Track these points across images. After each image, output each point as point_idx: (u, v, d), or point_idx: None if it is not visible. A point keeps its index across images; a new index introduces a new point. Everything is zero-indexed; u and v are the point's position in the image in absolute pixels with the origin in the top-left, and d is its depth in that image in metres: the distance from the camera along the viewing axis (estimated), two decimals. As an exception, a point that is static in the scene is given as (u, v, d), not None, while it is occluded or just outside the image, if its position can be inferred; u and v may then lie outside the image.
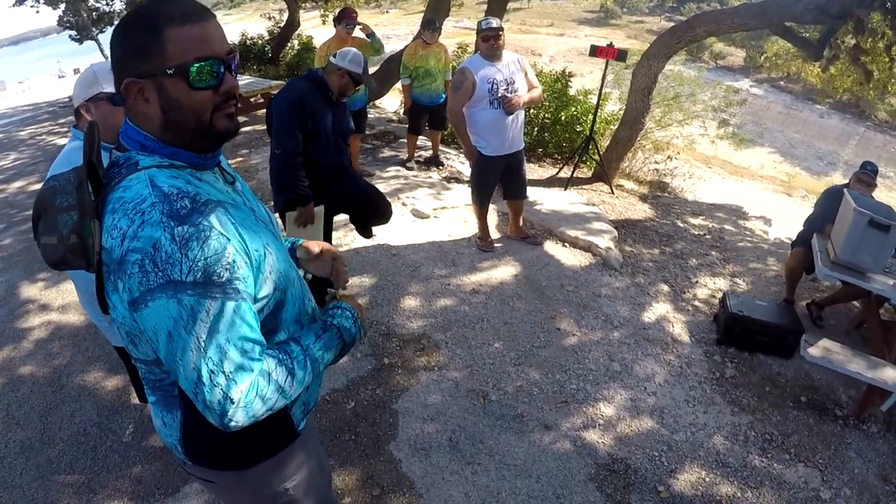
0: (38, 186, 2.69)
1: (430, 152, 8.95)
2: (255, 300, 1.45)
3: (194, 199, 1.34)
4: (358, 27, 7.18)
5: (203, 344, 1.29)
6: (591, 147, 8.27)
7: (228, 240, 1.34)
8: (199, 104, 1.39)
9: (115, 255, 1.30)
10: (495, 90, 5.08)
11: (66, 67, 37.17)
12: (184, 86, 1.35)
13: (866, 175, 5.39)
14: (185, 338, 1.29)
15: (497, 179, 5.58)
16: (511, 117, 5.19)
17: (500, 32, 5.11)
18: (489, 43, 5.10)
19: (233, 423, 1.35)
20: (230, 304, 1.33)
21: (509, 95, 5.08)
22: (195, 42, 1.35)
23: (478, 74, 5.07)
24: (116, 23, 1.41)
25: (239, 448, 1.66)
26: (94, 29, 24.59)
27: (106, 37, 24.97)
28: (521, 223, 6.29)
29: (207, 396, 1.31)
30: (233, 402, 1.32)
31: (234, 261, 1.34)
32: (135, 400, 3.96)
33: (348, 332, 1.70)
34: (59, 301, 5.25)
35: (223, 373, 1.31)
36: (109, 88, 2.49)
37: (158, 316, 1.29)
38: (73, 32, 25.53)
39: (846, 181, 5.73)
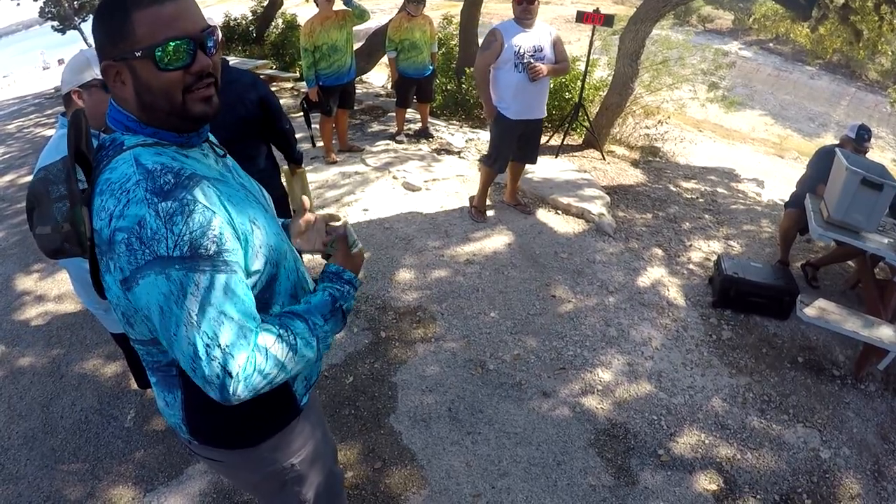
0: (29, 179, 2.65)
1: (420, 125, 8.91)
2: (248, 275, 1.45)
3: (178, 173, 1.33)
4: None
5: (195, 318, 1.28)
6: (580, 114, 8.24)
7: (214, 213, 1.33)
8: (168, 85, 1.37)
9: (104, 235, 1.30)
10: (521, 54, 5.09)
11: (50, 59, 36.87)
12: (152, 67, 1.34)
13: (861, 146, 5.38)
14: (176, 313, 1.28)
15: (514, 144, 5.56)
16: (533, 84, 5.18)
17: None
18: (522, 6, 5.10)
19: (234, 398, 1.34)
20: (220, 277, 1.31)
21: (534, 63, 5.08)
22: (164, 23, 1.33)
23: (507, 37, 5.09)
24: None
25: (243, 426, 1.67)
26: (76, 18, 24.40)
27: (88, 26, 24.75)
28: (517, 190, 6.33)
29: (206, 371, 1.30)
30: (231, 377, 1.31)
31: (220, 233, 1.32)
32: (134, 386, 3.96)
33: (348, 312, 1.68)
34: (54, 291, 5.23)
35: (219, 346, 1.30)
36: None
37: (149, 293, 1.28)
38: (56, 23, 25.33)
39: (838, 142, 5.72)
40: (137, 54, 1.32)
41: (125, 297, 1.35)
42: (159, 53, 1.33)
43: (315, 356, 1.54)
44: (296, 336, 1.46)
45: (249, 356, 1.34)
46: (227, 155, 1.66)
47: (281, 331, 1.44)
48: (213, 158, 1.56)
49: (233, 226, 1.38)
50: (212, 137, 1.63)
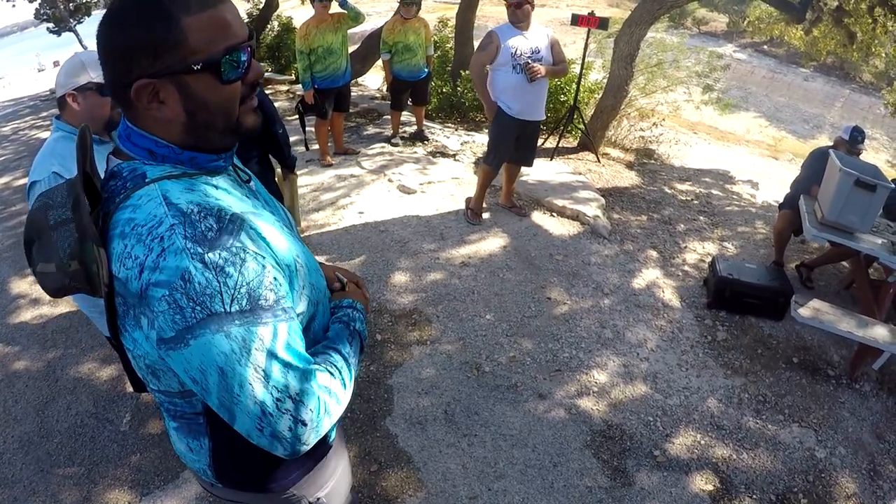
0: (24, 182, 2.62)
1: (415, 128, 8.94)
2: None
3: (219, 216, 1.17)
4: (334, 1, 7.09)
5: (263, 373, 1.15)
6: (575, 116, 8.26)
7: (265, 258, 1.20)
8: (229, 99, 1.23)
9: (132, 287, 1.13)
10: (518, 56, 5.14)
11: (46, 61, 36.93)
12: (213, 81, 1.19)
13: (855, 147, 5.41)
14: (241, 371, 1.14)
15: (513, 142, 5.58)
16: (532, 85, 5.22)
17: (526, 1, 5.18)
18: (513, 10, 5.18)
19: (304, 447, 1.25)
20: (282, 326, 1.19)
21: (532, 64, 5.12)
22: (220, 28, 1.17)
23: (503, 39, 5.16)
24: (107, 11, 1.18)
25: (274, 469, 1.58)
26: (71, 20, 24.31)
27: (84, 28, 24.64)
28: (512, 192, 6.34)
29: (277, 426, 1.18)
30: (305, 426, 1.21)
31: (275, 279, 1.20)
32: (130, 389, 3.95)
33: (364, 336, 1.59)
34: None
35: (290, 398, 1.19)
36: (98, 77, 2.45)
37: (205, 353, 1.12)
38: (51, 25, 25.24)
39: (832, 143, 5.75)
40: (196, 67, 1.15)
41: (158, 354, 1.19)
42: (226, 64, 1.18)
43: (352, 386, 1.44)
44: (338, 369, 1.37)
45: (319, 399, 1.25)
46: (251, 179, 1.51)
47: (328, 367, 1.35)
48: (239, 184, 1.41)
49: (280, 269, 1.26)
50: (235, 159, 1.49)
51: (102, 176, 1.30)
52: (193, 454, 1.52)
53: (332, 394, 1.29)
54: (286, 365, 1.18)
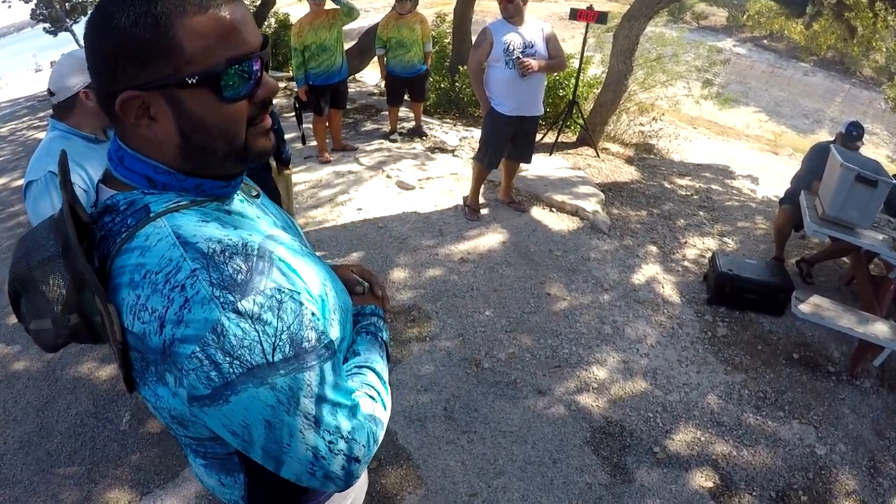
0: (21, 183, 2.57)
1: (414, 124, 8.93)
2: None
3: (246, 253, 1.00)
4: None
5: (314, 420, 1.05)
6: (574, 111, 8.25)
7: (299, 293, 1.05)
8: (232, 120, 1.04)
9: (151, 343, 0.97)
10: (511, 51, 5.13)
11: (43, 61, 36.89)
12: (211, 98, 0.99)
13: (852, 143, 5.40)
14: (290, 422, 1.02)
15: (508, 140, 5.57)
16: (525, 80, 5.21)
17: None
18: (504, 4, 5.18)
19: (356, 480, 1.16)
20: (327, 366, 1.07)
21: (523, 58, 5.10)
22: (222, 35, 0.98)
23: (497, 35, 5.17)
24: (94, 8, 0.99)
25: (310, 495, 1.50)
26: (68, 20, 24.36)
27: (80, 27, 24.62)
28: (511, 187, 6.34)
29: (330, 468, 1.09)
30: (358, 462, 1.13)
31: (313, 314, 1.06)
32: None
33: (389, 344, 1.50)
34: (47, 292, 5.19)
35: (342, 438, 1.09)
36: None
37: (249, 408, 0.99)
38: (47, 25, 25.32)
39: (832, 138, 5.73)
40: (191, 80, 0.96)
41: (190, 411, 1.03)
42: (227, 79, 0.99)
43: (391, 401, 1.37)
44: (377, 390, 1.27)
45: (367, 432, 1.16)
46: (260, 193, 1.35)
47: (367, 391, 1.25)
48: (248, 202, 1.25)
49: (314, 300, 1.13)
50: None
51: (93, 186, 1.15)
52: (226, 488, 1.40)
53: (376, 421, 1.20)
54: (335, 405, 1.08)
